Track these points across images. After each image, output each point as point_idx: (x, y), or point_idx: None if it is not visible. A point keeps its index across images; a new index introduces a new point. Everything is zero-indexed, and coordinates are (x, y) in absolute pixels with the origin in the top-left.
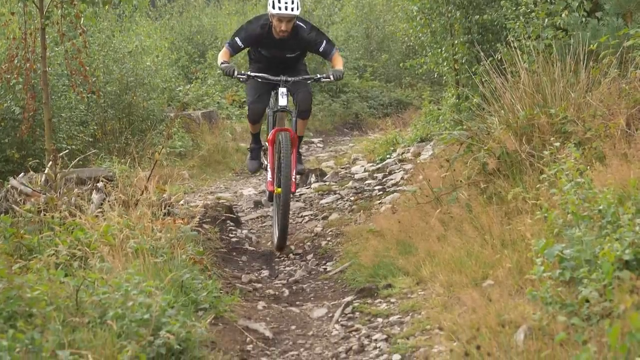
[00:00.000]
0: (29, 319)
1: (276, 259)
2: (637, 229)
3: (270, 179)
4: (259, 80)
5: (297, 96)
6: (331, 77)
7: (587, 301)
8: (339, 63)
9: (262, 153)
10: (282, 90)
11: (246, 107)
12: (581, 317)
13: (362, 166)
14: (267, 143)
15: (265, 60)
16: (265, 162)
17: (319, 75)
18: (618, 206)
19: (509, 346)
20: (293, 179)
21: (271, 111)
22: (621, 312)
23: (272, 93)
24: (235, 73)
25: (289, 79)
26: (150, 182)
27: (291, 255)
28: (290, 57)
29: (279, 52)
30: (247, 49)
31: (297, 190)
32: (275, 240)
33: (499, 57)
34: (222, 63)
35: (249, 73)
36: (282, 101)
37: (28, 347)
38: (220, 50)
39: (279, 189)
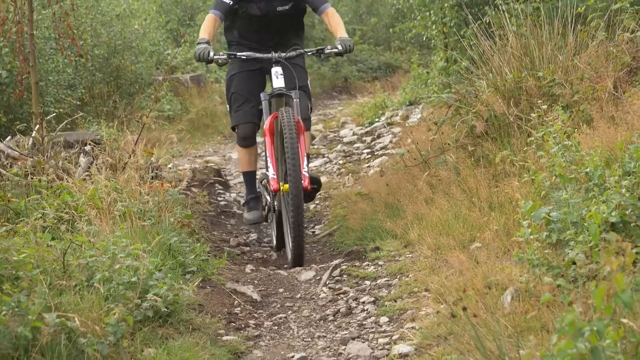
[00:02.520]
0: (15, 282)
1: (264, 223)
2: (623, 191)
3: (274, 175)
4: (243, 71)
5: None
6: (339, 47)
7: (574, 263)
8: (340, 27)
9: (262, 203)
10: (276, 69)
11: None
12: (567, 279)
13: (351, 130)
14: (264, 136)
15: (252, 29)
16: (267, 214)
17: (323, 47)
18: (605, 169)
19: (495, 308)
20: (304, 172)
21: (266, 95)
22: (607, 274)
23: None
24: (212, 55)
25: (283, 54)
26: (138, 146)
27: None
28: (282, 12)
29: (269, 3)
30: (236, 6)
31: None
32: (290, 256)
33: (487, 20)
34: (198, 43)
35: (229, 52)
36: (278, 82)
37: (14, 310)
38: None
39: (286, 186)
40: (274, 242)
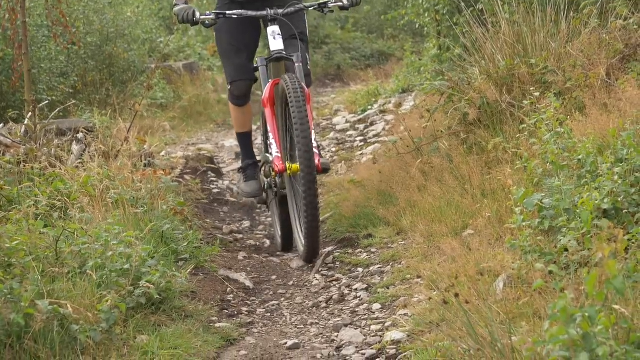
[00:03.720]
0: (8, 269)
1: (257, 210)
2: (616, 178)
3: (278, 153)
4: (234, 19)
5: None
6: (345, 0)
7: (566, 250)
8: None
9: (260, 170)
10: (273, 29)
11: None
12: (559, 265)
13: (344, 117)
14: (262, 107)
15: None
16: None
17: (327, 1)
18: (597, 156)
19: (487, 294)
20: (316, 149)
21: (263, 60)
22: (599, 261)
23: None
24: (197, 15)
25: (279, 11)
26: (130, 133)
27: None
28: None
29: None
30: None
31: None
32: (302, 249)
33: (480, 8)
34: (175, 5)
35: (217, 12)
36: (276, 44)
37: (7, 297)
38: None
39: (295, 165)
40: (278, 240)
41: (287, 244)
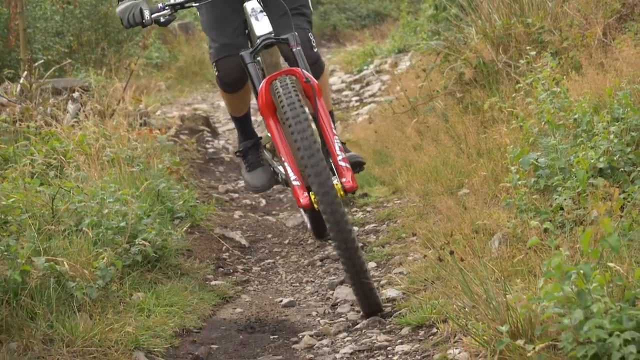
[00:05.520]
0: (4, 227)
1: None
2: (611, 137)
3: (297, 181)
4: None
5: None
6: None
7: (561, 209)
8: None
9: (263, 151)
10: (252, 5)
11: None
12: (555, 224)
13: (340, 78)
14: (261, 115)
15: None
16: (271, 160)
17: None
18: (593, 115)
19: (482, 252)
20: (343, 163)
21: (248, 55)
22: (594, 218)
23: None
24: (147, 14)
25: None
26: (126, 93)
27: None
28: None
29: None
30: None
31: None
32: (363, 307)
33: None
34: (118, 1)
35: (172, 3)
36: (261, 26)
37: (4, 254)
38: None
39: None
40: (308, 226)
41: (320, 233)
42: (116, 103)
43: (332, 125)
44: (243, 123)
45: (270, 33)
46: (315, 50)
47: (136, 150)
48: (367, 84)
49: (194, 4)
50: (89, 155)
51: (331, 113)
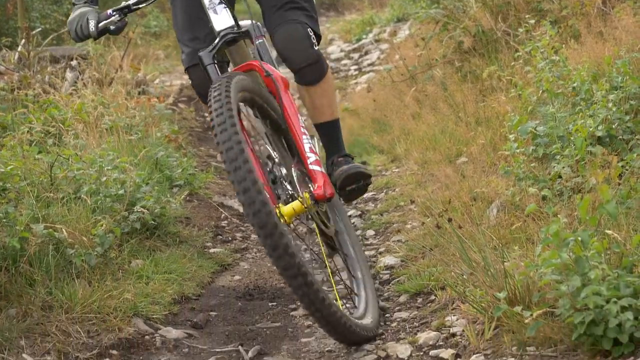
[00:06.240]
0: (2, 194)
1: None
2: (610, 106)
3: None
4: None
5: (276, 33)
6: None
7: (560, 177)
8: None
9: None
10: None
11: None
12: (553, 192)
13: (339, 47)
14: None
15: None
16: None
17: None
18: (592, 83)
19: (480, 220)
20: (315, 167)
21: (208, 55)
22: (592, 186)
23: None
24: (91, 26)
25: None
26: (124, 61)
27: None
28: None
29: None
30: None
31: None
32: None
33: None
34: (73, 4)
35: (123, 6)
36: (221, 20)
37: (2, 221)
38: None
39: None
40: None
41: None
42: (114, 71)
43: (301, 125)
44: None
45: (231, 27)
46: (316, 48)
47: (134, 118)
48: (366, 53)
49: (143, 4)
50: (88, 123)
51: (336, 121)
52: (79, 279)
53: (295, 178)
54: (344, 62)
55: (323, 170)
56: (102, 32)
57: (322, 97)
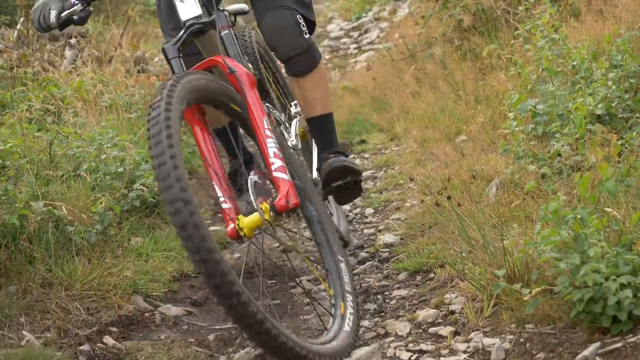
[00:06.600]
0: (2, 171)
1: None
2: (610, 84)
3: (226, 203)
4: None
5: (262, 21)
6: None
7: (559, 155)
8: None
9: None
10: None
11: None
12: (552, 170)
13: (338, 25)
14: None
15: None
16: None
17: None
18: (592, 62)
19: (480, 198)
20: (279, 174)
21: (172, 49)
22: (592, 164)
23: None
24: (52, 17)
25: None
26: (123, 39)
27: None
28: None
29: None
30: None
31: None
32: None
33: None
34: None
35: None
36: (186, 9)
37: (2, 198)
38: None
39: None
40: None
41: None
42: (113, 49)
43: (267, 127)
44: (223, 139)
45: (197, 17)
46: (306, 36)
47: (134, 96)
48: (366, 32)
49: None
50: (87, 101)
51: (329, 116)
52: (79, 256)
53: (252, 187)
54: (343, 40)
55: (289, 178)
56: (64, 23)
57: (313, 90)
